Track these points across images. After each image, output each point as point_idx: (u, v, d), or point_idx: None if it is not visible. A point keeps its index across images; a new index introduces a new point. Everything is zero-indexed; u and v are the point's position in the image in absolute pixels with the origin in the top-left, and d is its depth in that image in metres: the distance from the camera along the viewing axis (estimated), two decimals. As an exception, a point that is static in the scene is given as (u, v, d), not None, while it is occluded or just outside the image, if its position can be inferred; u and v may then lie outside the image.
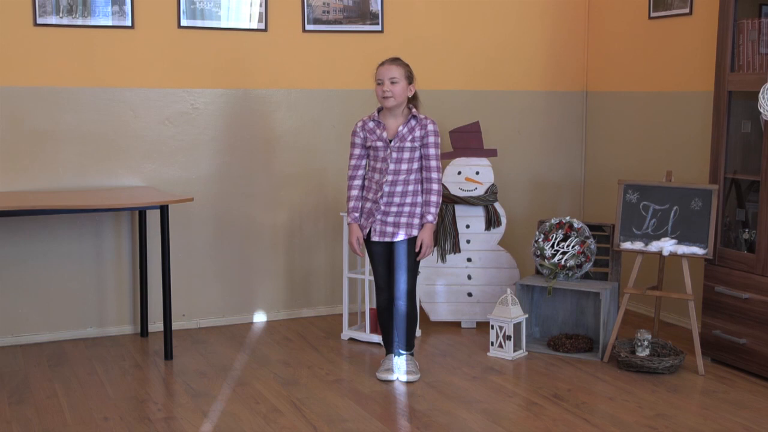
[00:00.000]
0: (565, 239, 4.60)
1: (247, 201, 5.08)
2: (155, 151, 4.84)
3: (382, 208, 4.00)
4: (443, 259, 4.97)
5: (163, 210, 4.29)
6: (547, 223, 4.69)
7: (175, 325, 4.80)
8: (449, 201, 4.94)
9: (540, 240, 4.66)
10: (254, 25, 4.96)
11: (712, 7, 4.68)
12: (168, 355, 4.41)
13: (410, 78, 4.00)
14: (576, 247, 4.56)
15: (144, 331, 4.84)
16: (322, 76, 5.16)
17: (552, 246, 4.62)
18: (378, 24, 5.22)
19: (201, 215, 4.97)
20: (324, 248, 5.27)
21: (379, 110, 4.07)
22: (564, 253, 4.58)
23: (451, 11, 5.45)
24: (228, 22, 4.90)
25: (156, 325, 4.83)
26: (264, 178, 5.10)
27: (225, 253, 5.07)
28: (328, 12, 5.11)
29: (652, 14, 5.21)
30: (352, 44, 5.18)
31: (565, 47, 5.74)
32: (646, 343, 4.27)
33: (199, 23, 4.84)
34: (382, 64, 3.99)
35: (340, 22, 5.14)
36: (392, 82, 3.94)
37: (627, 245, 4.43)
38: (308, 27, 5.09)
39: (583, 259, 4.55)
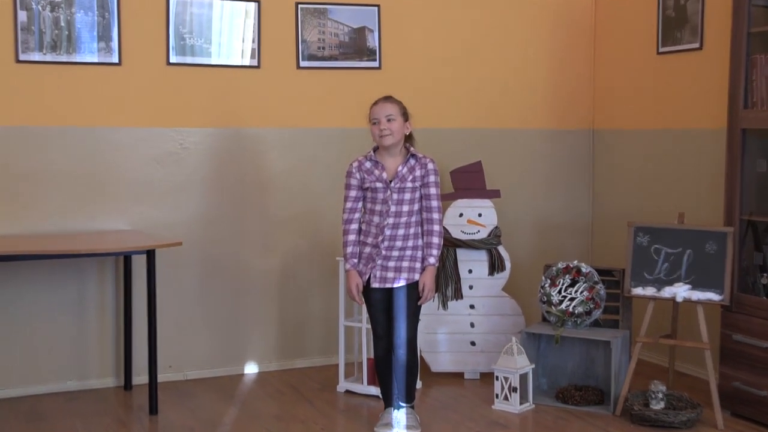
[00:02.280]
0: (572, 285, 4.61)
1: (239, 245, 5.08)
2: (143, 193, 4.85)
3: (383, 252, 3.99)
4: (444, 306, 4.97)
5: (150, 255, 4.28)
6: (554, 268, 4.69)
7: (161, 377, 4.73)
8: (450, 244, 4.95)
9: (546, 285, 4.66)
10: (246, 61, 5.00)
11: (723, 42, 4.67)
12: (153, 409, 4.36)
13: (406, 115, 4.05)
14: (584, 293, 4.57)
15: (128, 384, 4.80)
16: (317, 114, 5.19)
17: (559, 292, 4.62)
18: (375, 60, 5.27)
19: (189, 260, 4.96)
20: (319, 295, 5.26)
21: (375, 150, 4.09)
22: (572, 300, 4.58)
23: (451, 47, 5.48)
24: (219, 59, 4.93)
25: (141, 377, 4.79)
26: (256, 220, 5.10)
27: (214, 300, 5.06)
28: (323, 48, 5.15)
29: (661, 49, 5.24)
30: (349, 81, 5.21)
31: (571, 84, 5.77)
32: (660, 395, 4.25)
33: (189, 60, 4.87)
34: (375, 103, 4.04)
35: (336, 59, 5.18)
36: (389, 120, 3.98)
37: (638, 291, 4.43)
38: (303, 63, 5.12)
39: (592, 306, 4.55)
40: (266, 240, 5.13)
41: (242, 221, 5.07)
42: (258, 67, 5.02)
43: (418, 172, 4.00)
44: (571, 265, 4.65)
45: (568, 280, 4.62)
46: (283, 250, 5.17)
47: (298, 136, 5.16)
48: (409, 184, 3.99)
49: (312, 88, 5.15)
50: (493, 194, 5.04)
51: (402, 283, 4.00)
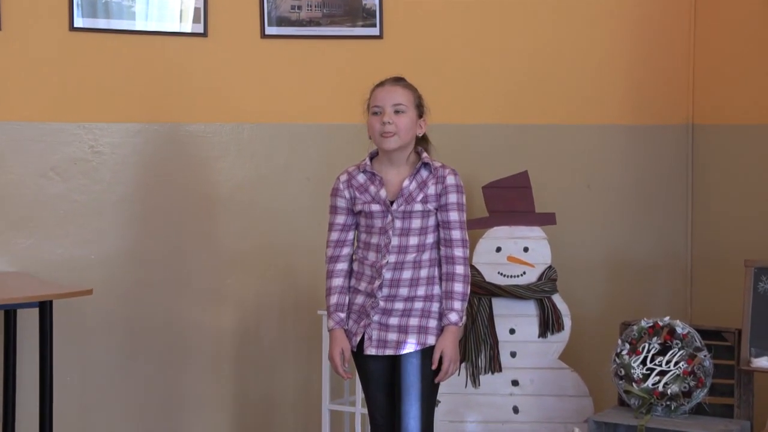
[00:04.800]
0: (663, 352, 4.65)
1: (175, 293, 5.11)
2: (33, 218, 4.87)
3: (382, 304, 3.93)
4: (475, 382, 5.00)
5: (44, 309, 4.28)
6: (636, 327, 4.73)
7: (60, 489, 4.73)
8: (484, 292, 4.98)
9: (624, 353, 4.69)
10: (188, 27, 5.07)
11: None
12: None
13: (420, 108, 4.00)
14: (681, 365, 4.60)
15: (9, 500, 4.78)
16: (291, 103, 5.24)
17: (644, 363, 4.66)
18: (375, 26, 5.28)
19: (104, 316, 4.96)
20: (293, 365, 5.28)
21: (373, 156, 4.01)
22: (662, 374, 4.61)
23: (485, 6, 5.46)
24: (148, 23, 5.01)
25: (29, 488, 4.76)
26: (202, 258, 5.15)
27: (140, 373, 5.06)
28: (299, 7, 5.18)
29: (795, 5, 5.10)
30: (337, 56, 5.26)
31: (660, 60, 5.70)
32: None
33: (102, 23, 4.91)
34: (381, 84, 3.99)
35: (317, 23, 5.23)
36: (396, 111, 3.91)
37: (762, 362, 4.51)
38: (269, 30, 5.16)
39: (692, 383, 4.58)
40: (216, 285, 5.16)
41: (181, 258, 5.11)
42: (204, 35, 5.07)
43: (432, 189, 3.91)
44: (661, 324, 4.67)
45: (657, 346, 4.66)
46: (242, 299, 5.20)
47: (262, 136, 5.20)
48: (419, 206, 3.89)
49: (283, 66, 5.20)
50: (546, 220, 5.08)
51: (410, 349, 3.90)
